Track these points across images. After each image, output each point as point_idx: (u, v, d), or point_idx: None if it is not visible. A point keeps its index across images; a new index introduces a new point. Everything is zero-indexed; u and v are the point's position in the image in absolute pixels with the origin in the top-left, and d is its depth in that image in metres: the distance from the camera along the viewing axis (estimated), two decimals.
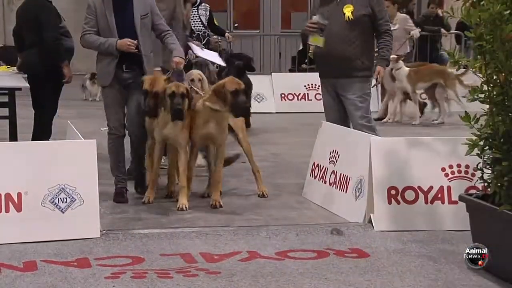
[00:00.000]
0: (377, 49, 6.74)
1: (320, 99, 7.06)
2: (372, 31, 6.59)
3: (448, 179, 5.72)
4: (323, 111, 6.90)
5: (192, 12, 9.49)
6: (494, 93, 4.70)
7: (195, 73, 7.54)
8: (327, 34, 6.50)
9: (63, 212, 5.40)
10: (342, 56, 6.48)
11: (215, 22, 10.75)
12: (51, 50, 7.64)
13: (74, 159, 5.48)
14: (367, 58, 6.58)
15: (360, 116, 6.53)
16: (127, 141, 6.80)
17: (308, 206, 6.48)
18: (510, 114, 4.64)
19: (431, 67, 12.28)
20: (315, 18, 6.51)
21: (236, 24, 21.24)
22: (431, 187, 5.71)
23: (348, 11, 6.46)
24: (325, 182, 6.44)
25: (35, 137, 7.66)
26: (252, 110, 11.45)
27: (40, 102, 7.87)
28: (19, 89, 7.96)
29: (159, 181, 6.82)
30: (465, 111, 4.83)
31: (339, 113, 6.71)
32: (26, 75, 8.17)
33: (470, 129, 4.80)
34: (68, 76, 7.72)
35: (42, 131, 7.81)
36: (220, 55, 9.55)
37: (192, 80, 7.25)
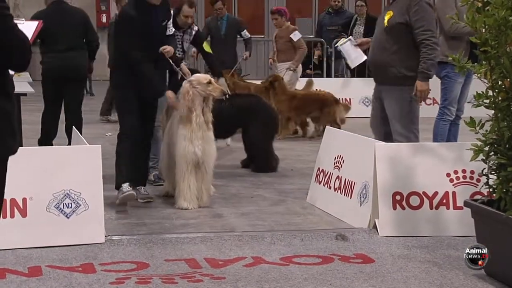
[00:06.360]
0: None
1: None
2: (412, 39, 6.19)
3: (453, 185, 5.71)
4: None
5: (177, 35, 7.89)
6: (499, 98, 4.69)
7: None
8: (373, 40, 6.53)
9: (68, 218, 5.40)
10: (378, 63, 6.34)
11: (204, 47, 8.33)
12: (94, 51, 8.45)
13: (79, 164, 5.49)
14: (405, 67, 6.18)
15: (400, 125, 6.21)
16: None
17: (312, 211, 6.47)
18: None
19: None
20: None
21: None
22: (436, 193, 5.70)
23: (386, 18, 6.27)
24: (329, 188, 6.44)
25: (73, 125, 7.78)
26: None
27: (80, 100, 8.47)
28: (24, 94, 7.98)
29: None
30: (470, 117, 4.82)
31: (379, 119, 6.45)
32: (31, 80, 8.24)
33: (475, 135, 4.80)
34: (91, 70, 8.73)
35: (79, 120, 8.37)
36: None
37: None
